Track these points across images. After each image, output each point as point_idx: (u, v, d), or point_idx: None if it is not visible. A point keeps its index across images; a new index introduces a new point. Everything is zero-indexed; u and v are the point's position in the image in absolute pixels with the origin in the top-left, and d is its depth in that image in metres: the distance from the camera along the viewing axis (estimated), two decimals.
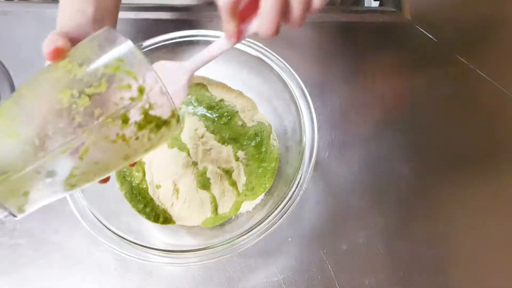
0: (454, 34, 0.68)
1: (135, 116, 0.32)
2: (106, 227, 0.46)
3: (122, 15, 0.72)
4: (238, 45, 0.52)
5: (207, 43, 0.53)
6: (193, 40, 0.53)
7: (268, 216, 0.46)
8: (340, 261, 0.54)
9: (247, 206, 0.55)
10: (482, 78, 0.65)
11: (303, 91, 0.50)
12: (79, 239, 0.55)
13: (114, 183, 0.55)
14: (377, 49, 0.68)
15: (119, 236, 0.45)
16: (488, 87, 0.64)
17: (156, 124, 0.33)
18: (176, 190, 0.55)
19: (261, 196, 0.55)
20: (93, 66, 0.32)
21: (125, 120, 0.31)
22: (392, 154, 0.60)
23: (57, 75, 0.33)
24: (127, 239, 0.45)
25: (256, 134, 0.58)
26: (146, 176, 0.56)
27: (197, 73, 0.54)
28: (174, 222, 0.55)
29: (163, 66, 0.41)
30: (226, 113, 0.58)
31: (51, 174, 0.31)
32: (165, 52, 0.53)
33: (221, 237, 0.49)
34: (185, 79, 0.40)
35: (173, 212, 0.55)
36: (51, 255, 0.55)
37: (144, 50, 0.52)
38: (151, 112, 0.32)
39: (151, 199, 0.55)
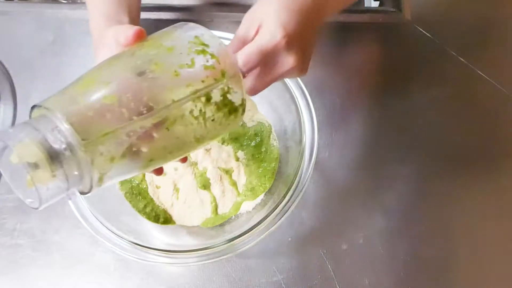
0: (454, 34, 0.68)
1: (216, 96, 0.34)
2: (106, 227, 0.46)
3: None
4: None
5: None
6: None
7: (268, 216, 0.46)
8: (340, 261, 0.54)
9: (247, 206, 0.55)
10: (482, 78, 0.65)
11: (303, 91, 0.50)
12: (79, 239, 0.55)
13: (114, 183, 0.55)
14: (377, 49, 0.68)
15: (119, 236, 0.45)
16: (488, 87, 0.64)
17: (229, 109, 0.36)
18: (176, 190, 0.55)
19: (261, 196, 0.55)
20: (181, 45, 0.34)
21: (209, 98, 0.34)
22: (392, 154, 0.60)
23: (147, 51, 0.34)
24: (127, 239, 0.45)
25: (256, 134, 0.58)
26: (146, 176, 0.56)
27: None
28: (174, 222, 0.55)
29: None
30: None
31: (137, 142, 0.32)
32: None
33: (221, 237, 0.49)
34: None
35: (173, 212, 0.55)
36: (51, 255, 0.55)
37: None
38: (228, 96, 0.35)
39: (151, 199, 0.55)
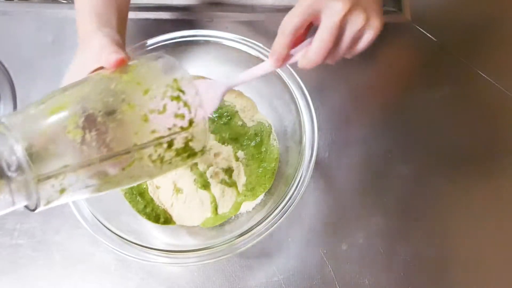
0: (454, 34, 0.68)
1: (179, 143, 0.35)
2: (106, 227, 0.46)
3: None
4: (238, 45, 0.52)
5: (207, 43, 0.53)
6: (193, 40, 0.53)
7: (268, 216, 0.46)
8: (340, 261, 0.54)
9: (247, 206, 0.55)
10: (482, 78, 0.65)
11: (303, 91, 0.50)
12: (79, 239, 0.55)
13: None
14: (377, 49, 0.68)
15: (119, 236, 0.45)
16: (488, 87, 0.64)
17: (188, 154, 0.36)
18: (176, 190, 0.55)
19: (261, 196, 0.55)
20: (157, 88, 0.34)
21: (170, 145, 0.34)
22: (392, 154, 0.60)
23: (121, 87, 0.34)
24: (127, 239, 0.45)
25: (256, 134, 0.58)
26: None
27: (197, 73, 0.54)
28: (174, 223, 0.55)
29: (203, 83, 0.45)
30: (226, 113, 0.58)
31: (94, 177, 0.32)
32: (166, 52, 0.53)
33: (221, 237, 0.49)
34: (220, 93, 0.43)
35: (173, 212, 0.55)
36: (51, 255, 0.55)
37: (145, 49, 0.52)
38: (190, 144, 0.36)
39: (151, 199, 0.55)
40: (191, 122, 0.35)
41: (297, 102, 0.50)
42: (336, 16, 0.36)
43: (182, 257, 0.45)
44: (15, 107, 0.64)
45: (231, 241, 0.45)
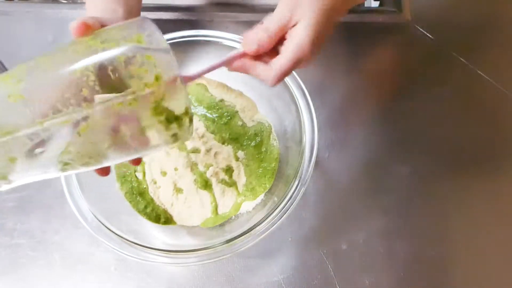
0: (454, 34, 0.68)
1: (145, 104, 0.30)
2: (106, 227, 0.46)
3: None
4: (238, 45, 0.52)
5: (207, 43, 0.53)
6: (193, 40, 0.53)
7: (268, 216, 0.46)
8: (340, 261, 0.54)
9: (247, 206, 0.55)
10: (482, 78, 0.65)
11: (303, 91, 0.50)
12: (79, 239, 0.55)
13: (114, 183, 0.55)
14: (377, 49, 0.68)
15: (119, 236, 0.45)
16: (488, 87, 0.64)
17: (166, 118, 0.31)
18: (177, 191, 0.55)
19: (261, 196, 0.55)
20: (113, 44, 0.30)
21: (133, 106, 0.29)
22: (392, 154, 0.60)
23: (76, 47, 0.31)
24: (127, 239, 0.45)
25: (256, 134, 0.58)
26: (146, 176, 0.56)
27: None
28: (175, 223, 0.55)
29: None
30: (226, 113, 0.58)
31: (43, 144, 0.29)
32: None
33: (221, 237, 0.49)
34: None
35: (174, 212, 0.55)
36: (51, 255, 0.55)
37: None
38: (164, 104, 0.30)
39: (152, 199, 0.55)
40: (157, 78, 0.30)
41: (297, 102, 0.50)
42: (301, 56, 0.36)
43: (182, 257, 0.45)
44: None
45: (231, 241, 0.45)
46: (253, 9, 0.68)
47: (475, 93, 0.65)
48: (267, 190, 0.55)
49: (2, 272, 0.54)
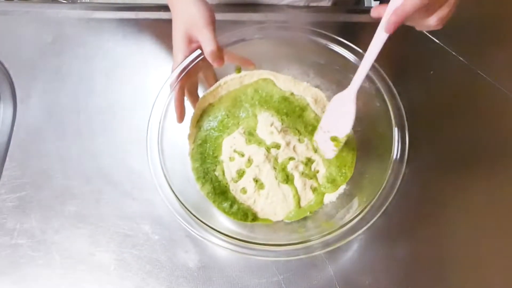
0: (454, 34, 0.68)
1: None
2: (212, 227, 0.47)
3: (122, 15, 0.72)
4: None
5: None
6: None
7: (360, 213, 0.48)
8: (340, 261, 0.54)
9: (330, 196, 0.55)
10: (482, 78, 0.65)
11: (386, 82, 0.53)
12: (79, 239, 0.55)
13: (195, 184, 0.55)
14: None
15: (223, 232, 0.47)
16: (488, 87, 0.64)
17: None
18: (258, 186, 0.55)
19: (343, 186, 0.55)
20: None
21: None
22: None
23: None
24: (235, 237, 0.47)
25: None
26: (226, 174, 0.56)
27: (262, 69, 0.60)
28: (262, 219, 0.55)
29: (336, 100, 0.53)
30: (297, 106, 0.59)
31: None
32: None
33: (297, 233, 0.50)
34: (352, 105, 0.50)
35: (257, 208, 0.55)
36: (51, 255, 0.55)
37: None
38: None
39: (234, 197, 0.55)
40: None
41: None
42: None
43: (275, 250, 0.46)
44: (15, 107, 0.64)
45: (323, 236, 0.46)
46: (253, 9, 0.68)
47: (475, 93, 0.65)
48: (348, 179, 0.55)
49: (2, 272, 0.54)
